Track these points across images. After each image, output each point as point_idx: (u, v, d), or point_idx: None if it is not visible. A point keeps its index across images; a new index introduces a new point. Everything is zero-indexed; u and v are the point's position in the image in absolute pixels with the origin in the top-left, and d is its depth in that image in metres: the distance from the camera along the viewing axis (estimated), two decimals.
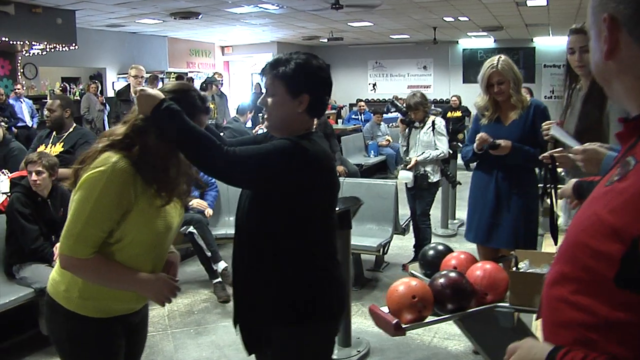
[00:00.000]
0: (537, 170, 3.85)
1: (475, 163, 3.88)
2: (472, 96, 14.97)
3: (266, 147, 1.99)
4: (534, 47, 17.87)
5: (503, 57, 3.64)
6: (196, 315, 4.70)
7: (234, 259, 2.20)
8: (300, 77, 2.03)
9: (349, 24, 13.99)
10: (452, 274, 2.78)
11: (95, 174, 1.89)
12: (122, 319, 2.10)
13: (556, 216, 3.26)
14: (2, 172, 4.55)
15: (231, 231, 5.44)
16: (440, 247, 3.23)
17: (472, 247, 4.04)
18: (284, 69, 2.02)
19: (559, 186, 3.06)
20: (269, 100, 2.06)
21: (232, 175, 1.99)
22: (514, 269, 2.84)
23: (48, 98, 10.93)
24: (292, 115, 2.05)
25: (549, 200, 3.12)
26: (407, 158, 5.50)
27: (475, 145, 3.62)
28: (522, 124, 3.58)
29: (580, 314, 1.04)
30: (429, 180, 5.45)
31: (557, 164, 2.86)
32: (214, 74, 10.61)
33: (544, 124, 3.12)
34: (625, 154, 1.05)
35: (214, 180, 5.74)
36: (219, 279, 4.98)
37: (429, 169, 5.47)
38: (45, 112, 4.97)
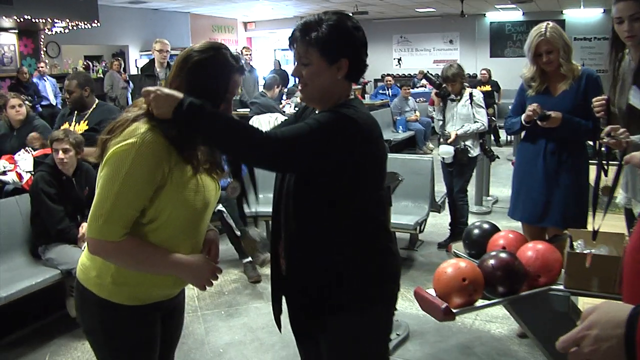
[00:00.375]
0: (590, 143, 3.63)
1: (510, 137, 3.65)
2: (499, 71, 14.79)
3: (310, 125, 1.77)
4: (564, 20, 17.33)
5: (551, 24, 3.38)
6: (227, 296, 4.56)
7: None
8: (336, 41, 1.81)
9: None
10: (503, 255, 2.60)
11: (123, 147, 1.70)
12: (158, 305, 1.93)
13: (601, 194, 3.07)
14: (26, 150, 4.43)
15: (262, 209, 5.33)
16: (486, 226, 3.04)
17: (509, 225, 3.85)
18: (317, 33, 1.80)
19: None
20: (304, 70, 1.85)
21: (280, 161, 1.79)
22: (569, 249, 2.65)
23: None
24: (332, 83, 1.85)
25: (606, 178, 2.91)
26: (447, 132, 5.27)
27: (524, 116, 3.39)
28: (574, 95, 3.33)
29: None
30: (469, 155, 5.23)
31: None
32: (243, 48, 10.39)
33: (594, 99, 2.89)
34: None
35: None
36: (249, 259, 4.85)
37: (468, 143, 5.24)
38: (65, 94, 4.84)
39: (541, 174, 3.44)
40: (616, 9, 2.72)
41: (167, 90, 1.72)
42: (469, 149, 5.22)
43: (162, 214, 1.77)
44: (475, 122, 5.22)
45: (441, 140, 5.34)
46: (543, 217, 3.45)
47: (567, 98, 3.34)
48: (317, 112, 1.99)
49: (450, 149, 5.18)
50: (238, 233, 4.78)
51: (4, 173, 4.19)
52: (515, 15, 18.01)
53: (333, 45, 1.81)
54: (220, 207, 4.73)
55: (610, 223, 2.82)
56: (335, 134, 1.76)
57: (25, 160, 4.29)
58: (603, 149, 2.85)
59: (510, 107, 3.78)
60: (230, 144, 1.75)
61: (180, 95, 1.70)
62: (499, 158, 6.34)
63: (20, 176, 4.20)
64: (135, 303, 1.86)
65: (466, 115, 5.22)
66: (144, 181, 1.71)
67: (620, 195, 3.02)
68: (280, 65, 14.86)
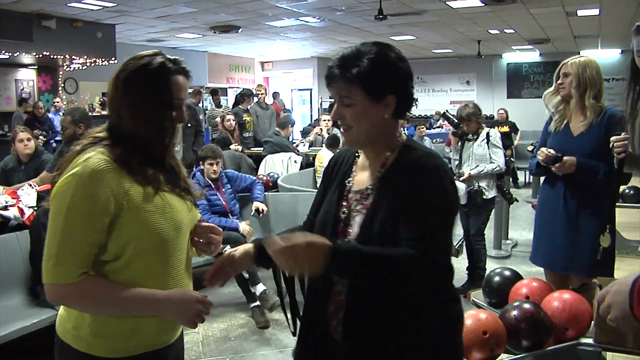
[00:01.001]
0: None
1: (529, 178, 3.51)
2: (517, 112, 14.78)
3: (433, 208, 1.57)
4: None
5: (585, 58, 3.27)
6: (232, 342, 4.33)
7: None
8: (381, 76, 1.61)
9: (391, 37, 13.68)
10: (527, 306, 2.42)
11: (64, 180, 1.56)
12: (151, 356, 1.71)
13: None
14: (30, 185, 4.32)
15: None
16: (507, 273, 2.86)
17: (529, 270, 3.64)
18: (358, 69, 1.60)
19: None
20: (347, 112, 1.65)
21: (439, 261, 1.59)
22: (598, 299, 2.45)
23: None
24: (379, 124, 1.65)
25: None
26: (461, 172, 5.11)
27: (538, 157, 3.24)
28: (594, 136, 3.14)
29: None
30: (484, 197, 5.04)
31: None
32: (258, 86, 10.39)
33: (613, 138, 2.73)
34: None
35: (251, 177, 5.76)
36: (257, 303, 4.66)
37: (483, 184, 5.06)
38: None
39: (562, 219, 3.24)
40: (637, 42, 2.57)
41: (311, 237, 1.51)
42: (483, 190, 5.03)
43: (128, 247, 1.59)
44: (491, 162, 5.05)
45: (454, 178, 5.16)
46: (567, 265, 3.23)
47: (587, 139, 3.16)
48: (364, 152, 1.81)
49: (462, 186, 5.00)
50: (246, 276, 4.60)
51: (6, 208, 4.06)
52: (532, 56, 18.01)
53: (378, 81, 1.61)
54: (228, 248, 4.56)
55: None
56: (452, 194, 1.64)
57: (28, 195, 4.17)
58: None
59: (527, 148, 3.64)
60: (388, 273, 1.55)
61: (326, 242, 1.49)
62: (517, 201, 6.14)
63: (22, 211, 4.06)
64: (121, 355, 1.66)
65: (482, 156, 5.05)
66: (91, 212, 1.54)
67: None
68: (284, 105, 14.80)
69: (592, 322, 2.43)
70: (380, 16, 8.97)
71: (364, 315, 1.64)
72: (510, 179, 10.75)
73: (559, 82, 3.27)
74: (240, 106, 9.23)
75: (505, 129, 12.15)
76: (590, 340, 2.38)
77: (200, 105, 10.91)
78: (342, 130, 1.72)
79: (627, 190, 4.79)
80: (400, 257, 1.53)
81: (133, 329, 1.65)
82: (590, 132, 3.17)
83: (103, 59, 11.38)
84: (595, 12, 10.61)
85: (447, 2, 9.55)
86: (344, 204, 1.76)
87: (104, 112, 13.47)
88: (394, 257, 1.53)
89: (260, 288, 4.66)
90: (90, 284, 1.57)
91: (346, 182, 1.79)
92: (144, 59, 1.68)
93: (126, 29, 11.79)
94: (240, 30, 11.87)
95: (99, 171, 1.56)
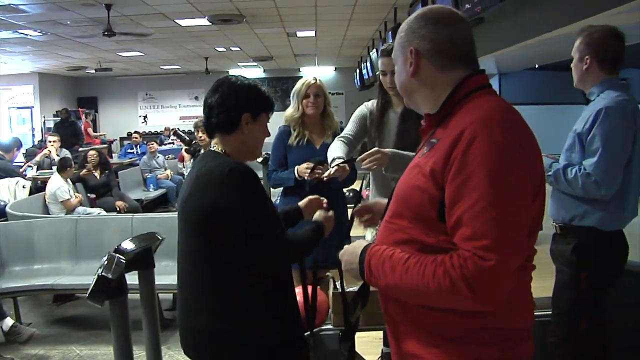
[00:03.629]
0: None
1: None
2: None
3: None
4: (302, 77, 18.63)
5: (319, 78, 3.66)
6: None
7: None
8: None
9: (118, 53, 13.40)
10: None
11: None
12: None
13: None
14: None
15: (16, 284, 4.80)
16: None
17: None
18: None
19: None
20: None
21: None
22: (332, 290, 2.80)
23: None
24: None
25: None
26: None
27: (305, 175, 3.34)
28: None
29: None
30: None
31: None
32: None
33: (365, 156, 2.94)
34: (429, 139, 1.56)
35: None
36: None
37: None
38: None
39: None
40: (381, 63, 3.05)
41: None
42: None
43: None
44: None
45: None
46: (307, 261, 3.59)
47: None
48: None
49: None
50: None
51: None
52: (256, 72, 18.94)
53: None
54: None
55: None
56: None
57: None
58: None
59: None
60: None
61: None
62: None
63: None
64: None
65: None
66: None
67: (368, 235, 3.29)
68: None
69: (329, 310, 2.79)
70: (108, 33, 8.78)
71: None
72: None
73: (312, 100, 3.53)
74: None
75: None
76: (330, 326, 2.75)
77: None
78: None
79: (347, 193, 5.37)
80: None
81: None
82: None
83: None
84: (312, 33, 11.60)
85: (175, 20, 9.69)
86: None
87: None
88: None
89: (9, 322, 4.31)
90: None
91: None
92: None
93: None
94: None
95: None
